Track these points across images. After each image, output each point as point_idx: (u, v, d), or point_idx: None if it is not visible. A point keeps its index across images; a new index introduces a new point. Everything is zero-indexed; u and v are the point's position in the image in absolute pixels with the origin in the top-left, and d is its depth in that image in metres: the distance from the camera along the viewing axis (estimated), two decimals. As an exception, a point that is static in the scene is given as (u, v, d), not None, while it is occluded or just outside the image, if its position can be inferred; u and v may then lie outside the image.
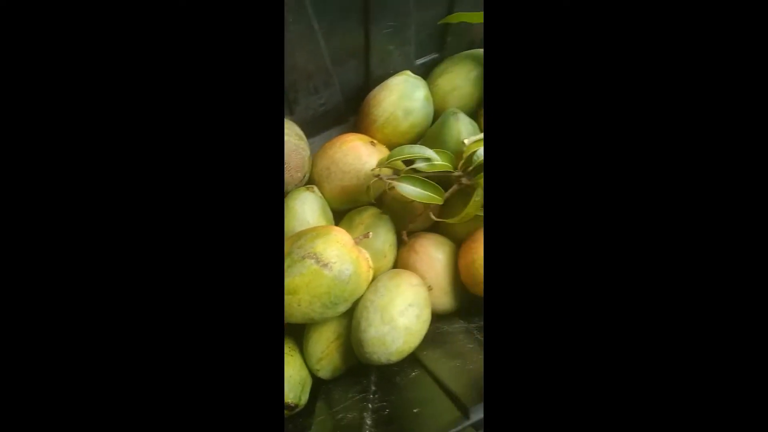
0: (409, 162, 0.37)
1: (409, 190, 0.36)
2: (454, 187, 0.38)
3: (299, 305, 0.36)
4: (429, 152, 0.36)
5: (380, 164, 0.38)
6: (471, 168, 0.36)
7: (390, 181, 0.36)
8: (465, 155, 0.37)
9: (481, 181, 0.35)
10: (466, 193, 0.38)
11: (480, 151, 0.37)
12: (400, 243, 0.45)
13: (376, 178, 0.37)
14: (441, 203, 0.38)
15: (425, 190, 0.36)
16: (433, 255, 0.43)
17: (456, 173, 0.36)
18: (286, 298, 0.36)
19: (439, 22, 0.42)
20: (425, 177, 0.36)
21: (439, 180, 0.37)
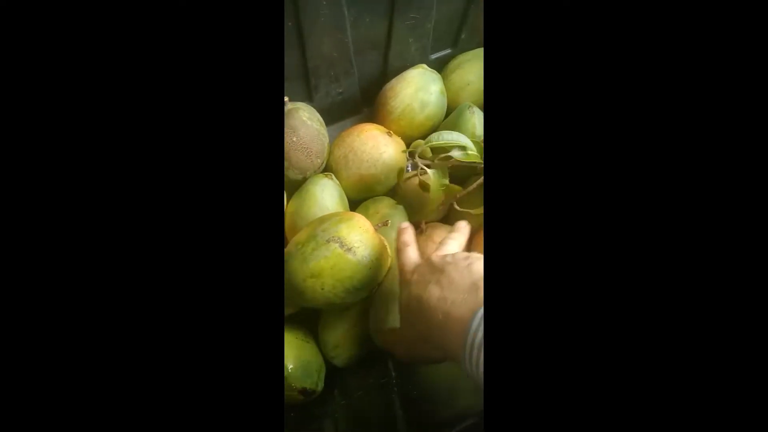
0: (439, 149, 0.38)
1: (434, 179, 0.37)
2: (480, 179, 0.38)
3: (322, 289, 0.35)
4: (465, 140, 0.37)
5: (415, 146, 0.38)
6: None
7: (423, 167, 0.36)
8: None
9: None
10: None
11: None
12: (418, 232, 0.46)
13: (410, 160, 0.38)
14: (459, 195, 0.39)
15: (446, 181, 0.37)
16: (448, 245, 0.44)
17: (481, 165, 0.37)
18: (309, 281, 0.35)
19: None
20: (455, 167, 0.37)
21: (465, 169, 0.38)
